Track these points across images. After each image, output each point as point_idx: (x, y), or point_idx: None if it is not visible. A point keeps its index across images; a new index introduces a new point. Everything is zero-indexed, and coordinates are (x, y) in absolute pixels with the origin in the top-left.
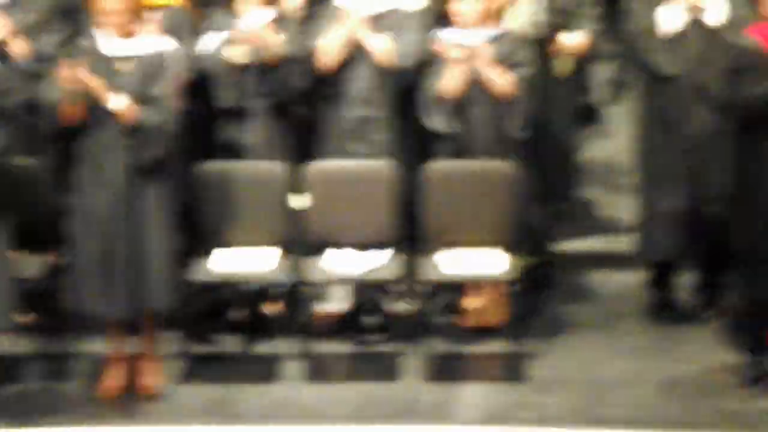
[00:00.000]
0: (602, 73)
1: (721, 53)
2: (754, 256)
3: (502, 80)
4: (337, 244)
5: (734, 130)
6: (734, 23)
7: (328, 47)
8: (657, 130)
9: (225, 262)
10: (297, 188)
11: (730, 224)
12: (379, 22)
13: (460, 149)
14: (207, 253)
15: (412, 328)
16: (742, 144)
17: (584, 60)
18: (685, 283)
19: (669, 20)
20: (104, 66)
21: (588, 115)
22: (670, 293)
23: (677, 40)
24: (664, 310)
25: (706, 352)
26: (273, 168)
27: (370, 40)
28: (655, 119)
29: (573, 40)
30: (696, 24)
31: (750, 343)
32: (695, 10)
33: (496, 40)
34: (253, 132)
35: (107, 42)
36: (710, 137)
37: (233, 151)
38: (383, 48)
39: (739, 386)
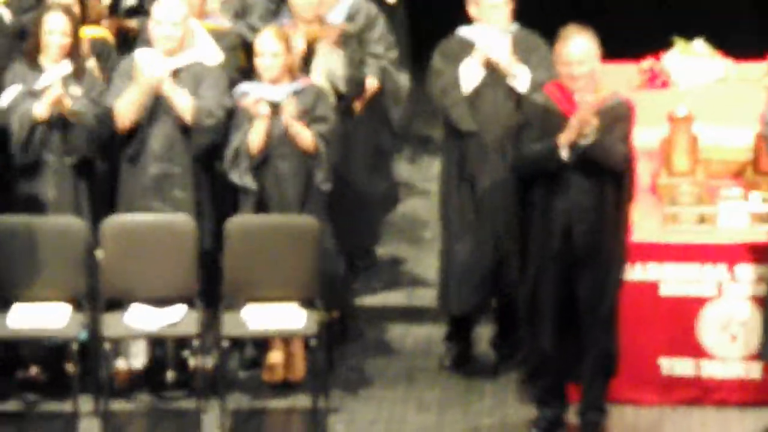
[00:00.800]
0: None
1: (515, 109)
2: (532, 307)
3: (304, 134)
4: (135, 300)
5: (517, 184)
6: (534, 83)
7: (127, 105)
8: (455, 184)
9: (21, 318)
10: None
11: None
12: (179, 76)
13: (263, 203)
14: (4, 308)
15: (213, 383)
16: (522, 198)
17: (377, 104)
18: (484, 336)
19: (468, 77)
20: None
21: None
22: (469, 346)
23: (475, 96)
24: (463, 364)
25: (504, 405)
26: (73, 223)
27: (171, 97)
28: (454, 173)
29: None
30: (493, 81)
31: (540, 395)
32: (490, 65)
33: (298, 94)
34: (53, 187)
35: None
36: (503, 192)
37: (33, 206)
38: (184, 105)
39: None
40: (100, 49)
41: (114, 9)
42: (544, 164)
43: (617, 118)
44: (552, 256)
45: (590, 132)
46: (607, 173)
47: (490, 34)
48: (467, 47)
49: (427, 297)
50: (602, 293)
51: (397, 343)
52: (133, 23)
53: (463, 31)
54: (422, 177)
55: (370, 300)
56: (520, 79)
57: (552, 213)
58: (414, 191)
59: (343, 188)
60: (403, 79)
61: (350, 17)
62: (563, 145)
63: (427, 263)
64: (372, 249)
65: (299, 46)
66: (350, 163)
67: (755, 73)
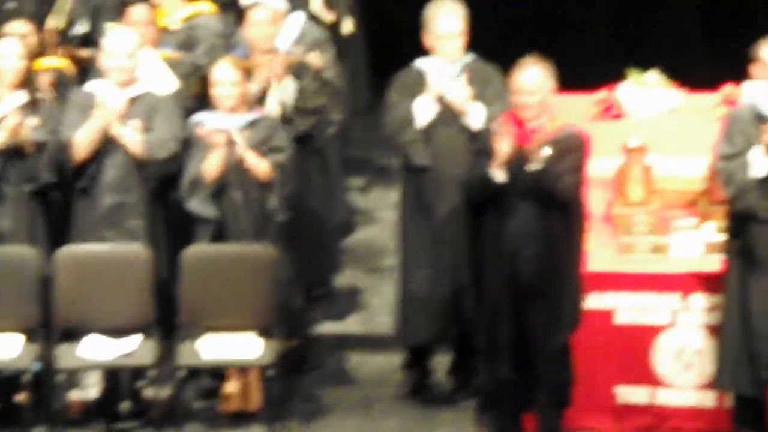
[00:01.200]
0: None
1: (470, 143)
2: (489, 336)
3: (261, 165)
4: (90, 330)
5: (470, 212)
6: (489, 115)
7: (84, 138)
8: (412, 215)
9: None
10: None
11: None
12: (132, 107)
13: (220, 233)
14: None
15: (168, 414)
16: (473, 224)
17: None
18: (441, 364)
19: (422, 113)
20: None
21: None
22: (426, 375)
23: (430, 130)
24: (420, 392)
25: None
26: (27, 253)
27: (122, 134)
28: (412, 203)
29: None
30: (447, 116)
31: (497, 424)
32: (443, 101)
33: (253, 124)
34: (10, 217)
35: None
36: (460, 221)
37: None
38: (135, 141)
39: None
40: (57, 80)
41: (64, 37)
42: (484, 188)
43: (568, 149)
44: (504, 283)
45: (540, 159)
46: (554, 201)
47: (445, 69)
48: (423, 80)
49: (384, 325)
50: (554, 323)
51: (355, 371)
52: (85, 53)
53: (419, 64)
54: (380, 205)
55: (328, 328)
56: (474, 116)
57: (501, 239)
58: (371, 219)
59: (299, 217)
60: (336, 112)
61: (298, 42)
62: (496, 167)
63: (384, 291)
64: (329, 278)
65: (260, 81)
66: (306, 192)
67: (708, 103)
